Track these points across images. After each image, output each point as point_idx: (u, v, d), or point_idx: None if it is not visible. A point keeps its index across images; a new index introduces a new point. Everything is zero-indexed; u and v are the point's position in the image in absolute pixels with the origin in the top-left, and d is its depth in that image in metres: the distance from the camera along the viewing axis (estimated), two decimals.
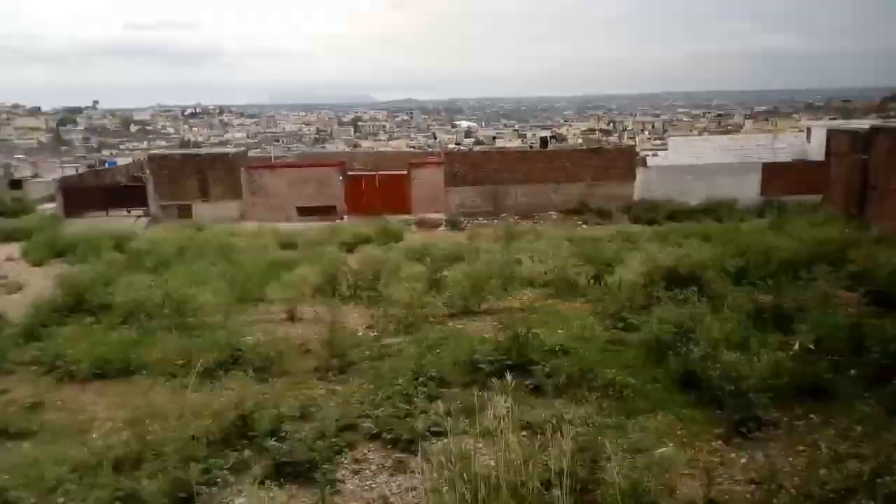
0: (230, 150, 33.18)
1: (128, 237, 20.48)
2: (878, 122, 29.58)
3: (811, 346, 6.59)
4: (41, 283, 16.66)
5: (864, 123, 28.27)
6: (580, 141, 70.35)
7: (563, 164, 28.24)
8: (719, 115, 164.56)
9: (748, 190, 28.98)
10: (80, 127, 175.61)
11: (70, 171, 59.84)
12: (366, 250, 18.78)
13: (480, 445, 5.43)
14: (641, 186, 28.81)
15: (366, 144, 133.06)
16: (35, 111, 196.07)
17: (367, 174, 28.75)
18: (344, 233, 21.44)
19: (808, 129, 44.20)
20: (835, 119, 68.28)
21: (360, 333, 9.91)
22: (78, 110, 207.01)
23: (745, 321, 7.84)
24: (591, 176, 28.31)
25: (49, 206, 31.68)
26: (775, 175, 29.24)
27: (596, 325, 8.49)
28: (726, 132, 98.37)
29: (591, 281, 12.07)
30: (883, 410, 5.75)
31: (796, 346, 6.82)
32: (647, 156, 32.29)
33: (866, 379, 6.39)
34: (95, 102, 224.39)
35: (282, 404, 6.87)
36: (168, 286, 11.92)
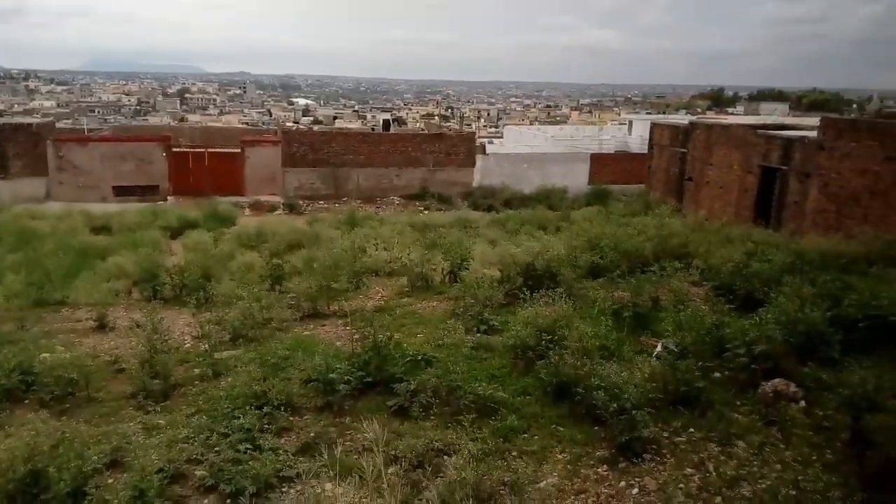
0: (35, 119, 29.32)
1: None
2: (692, 117, 32.23)
3: (674, 349, 6.56)
4: None
5: (682, 118, 30.66)
6: (420, 125, 70.77)
7: (406, 149, 27.98)
8: (549, 106, 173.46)
9: (578, 178, 30.46)
10: None
11: None
12: (193, 236, 17.30)
13: (342, 490, 4.65)
14: (480, 173, 29.30)
15: (193, 119, 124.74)
16: None
17: (196, 151, 26.63)
18: (167, 216, 19.67)
19: (630, 123, 47.64)
20: (650, 113, 74.12)
21: (188, 346, 8.36)
22: None
23: (605, 321, 7.75)
24: (433, 161, 28.32)
25: None
26: (602, 165, 30.99)
27: (458, 327, 7.91)
28: (555, 122, 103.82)
29: (447, 277, 11.63)
30: (758, 419, 5.77)
31: (659, 349, 6.83)
32: (486, 143, 32.84)
33: (735, 383, 6.35)
34: None
35: (87, 448, 5.14)
36: None
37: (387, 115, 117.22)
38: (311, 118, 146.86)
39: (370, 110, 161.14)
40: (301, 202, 26.30)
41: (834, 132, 15.44)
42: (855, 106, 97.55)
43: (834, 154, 15.34)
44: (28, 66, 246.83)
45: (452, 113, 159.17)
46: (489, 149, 30.18)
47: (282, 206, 25.72)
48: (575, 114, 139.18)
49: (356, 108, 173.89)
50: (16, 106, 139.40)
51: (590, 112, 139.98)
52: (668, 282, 8.95)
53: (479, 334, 7.69)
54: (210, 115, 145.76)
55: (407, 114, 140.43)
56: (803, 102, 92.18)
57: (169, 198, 25.17)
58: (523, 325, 7.10)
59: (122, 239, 16.57)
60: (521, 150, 35.48)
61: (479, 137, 42.38)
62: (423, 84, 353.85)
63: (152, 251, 15.23)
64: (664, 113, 79.39)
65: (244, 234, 18.27)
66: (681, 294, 8.36)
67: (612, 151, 36.88)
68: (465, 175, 28.95)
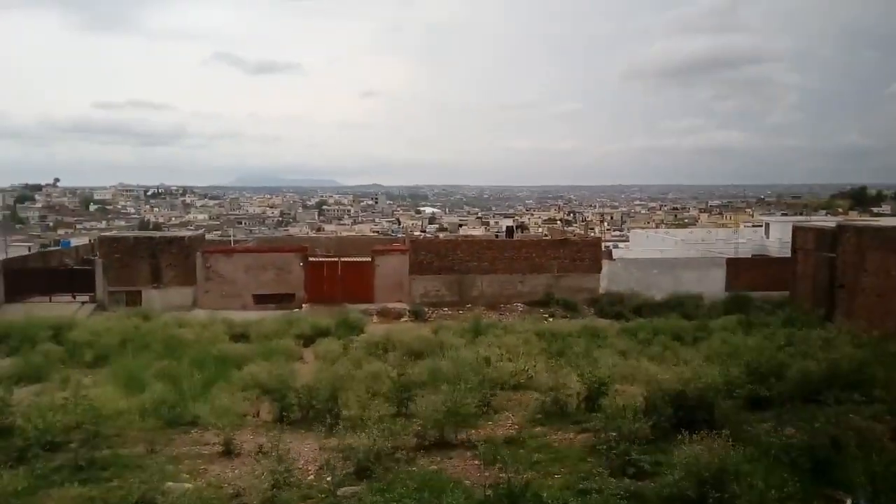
0: (186, 232, 32.05)
1: (68, 326, 19.07)
2: (835, 218, 30.14)
3: None
4: None
5: (824, 220, 28.70)
6: (543, 231, 71.01)
7: (530, 255, 27.86)
8: (675, 209, 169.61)
9: (713, 285, 28.87)
10: (39, 205, 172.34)
11: (21, 251, 57.88)
12: (324, 345, 17.70)
13: None
14: (607, 279, 28.51)
15: (329, 228, 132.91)
16: None
17: (329, 260, 27.90)
18: (301, 324, 20.35)
19: (767, 225, 45.25)
20: (787, 214, 70.42)
21: (311, 477, 7.93)
22: (38, 188, 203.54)
23: (779, 468, 6.66)
24: (558, 267, 27.94)
25: None
26: (740, 270, 29.28)
27: (601, 468, 7.01)
28: (683, 225, 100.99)
29: (583, 401, 10.73)
30: None
31: None
32: (612, 248, 32.11)
33: None
34: (56, 180, 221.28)
35: None
36: (84, 403, 9.95)
37: (510, 222, 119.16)
38: (437, 225, 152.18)
39: (493, 217, 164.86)
40: (426, 309, 26.57)
41: None
42: None
43: None
44: (185, 183, 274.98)
45: (575, 217, 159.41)
46: (616, 253, 29.49)
47: (408, 313, 26.07)
48: (704, 216, 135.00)
49: (480, 214, 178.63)
50: (173, 219, 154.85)
51: (720, 214, 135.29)
52: (846, 417, 7.63)
53: (626, 478, 6.73)
54: (344, 224, 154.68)
55: (529, 219, 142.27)
56: None
57: (304, 305, 26.23)
58: (681, 470, 6.11)
59: (258, 347, 17.20)
60: (649, 254, 34.44)
61: (605, 242, 41.71)
62: (545, 190, 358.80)
63: (285, 361, 15.75)
64: (802, 214, 75.14)
65: (371, 343, 18.49)
66: (866, 434, 7.03)
67: (749, 255, 34.98)
68: (592, 281, 28.26)
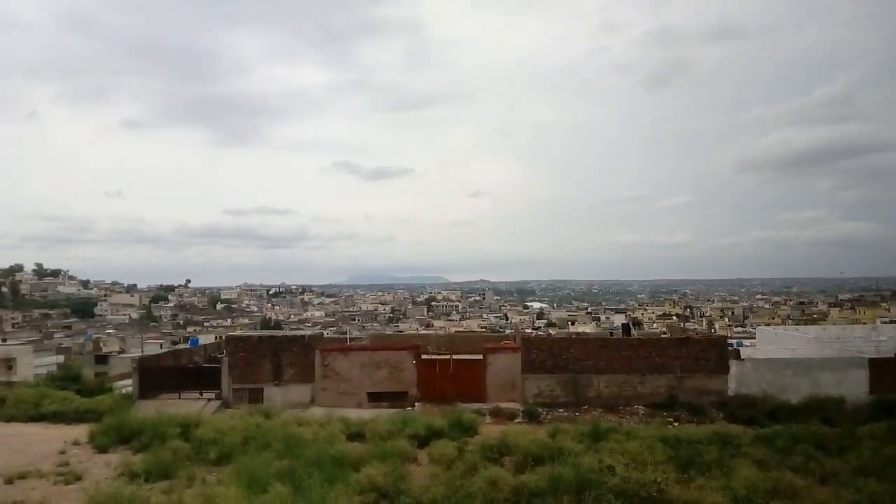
0: (306, 332, 33.15)
1: (195, 423, 19.83)
2: None
3: None
4: (101, 472, 16.00)
5: None
6: (659, 327, 68.28)
7: (649, 354, 26.61)
8: (801, 303, 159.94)
9: (855, 387, 26.34)
10: (171, 304, 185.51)
11: (154, 347, 62.07)
12: (438, 447, 17.37)
13: None
14: (735, 380, 26.64)
15: (438, 324, 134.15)
16: (131, 288, 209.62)
17: (441, 358, 27.83)
18: (416, 424, 20.13)
19: None
20: None
21: None
22: (171, 288, 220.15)
23: None
24: (680, 367, 26.48)
25: (127, 384, 31.97)
26: (885, 371, 26.61)
27: None
28: (812, 321, 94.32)
29: None
30: None
31: None
32: (738, 346, 30.16)
33: None
34: (188, 281, 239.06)
35: None
36: None
37: (622, 317, 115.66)
38: (545, 321, 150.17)
39: (604, 311, 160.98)
40: (540, 410, 25.71)
41: None
42: None
43: None
44: (304, 282, 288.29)
45: (692, 312, 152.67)
46: (743, 353, 27.62)
47: (521, 414, 25.31)
48: (834, 310, 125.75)
49: (589, 309, 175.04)
50: (292, 316, 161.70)
51: (852, 308, 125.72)
52: None
53: None
54: (453, 320, 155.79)
55: (643, 314, 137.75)
56: None
57: (416, 404, 26.12)
58: None
59: (373, 448, 17.10)
60: (779, 353, 32.05)
61: (729, 339, 39.35)
62: (657, 284, 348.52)
63: (400, 463, 15.57)
64: None
65: (486, 446, 17.97)
66: None
67: (893, 354, 31.78)
68: (718, 383, 26.50)
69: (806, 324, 72.49)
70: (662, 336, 31.84)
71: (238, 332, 35.01)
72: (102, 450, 18.35)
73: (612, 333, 38.31)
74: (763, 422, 23.63)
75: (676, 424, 24.06)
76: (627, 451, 17.55)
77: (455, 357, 27.65)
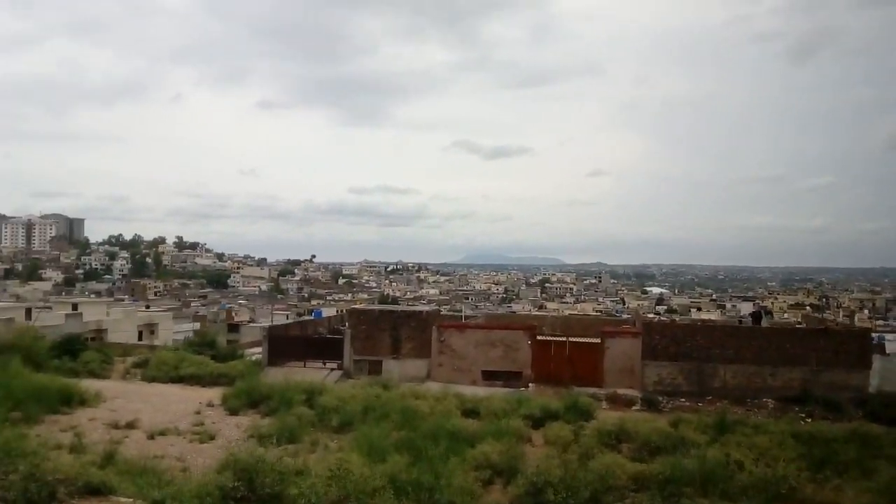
0: (424, 307, 33.77)
1: (319, 391, 20.71)
2: None
3: None
4: (232, 433, 17.03)
5: None
6: (792, 317, 64.05)
7: (783, 345, 24.99)
8: None
9: None
10: (297, 278, 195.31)
11: (281, 318, 65.68)
12: (554, 429, 17.15)
13: None
14: (879, 376, 24.55)
15: (551, 306, 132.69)
16: (261, 262, 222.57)
17: (557, 340, 27.49)
18: (530, 405, 20.01)
19: None
20: None
21: None
22: (297, 263, 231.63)
23: None
24: (816, 360, 24.68)
25: (256, 351, 33.97)
26: None
27: None
28: None
29: None
30: None
31: None
32: (882, 340, 27.73)
33: None
34: (313, 257, 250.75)
35: None
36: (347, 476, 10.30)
37: (749, 305, 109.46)
38: (665, 307, 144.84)
39: (730, 299, 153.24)
40: (660, 398, 24.83)
41: None
42: None
43: None
44: (420, 260, 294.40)
45: (827, 303, 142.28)
46: (889, 348, 25.35)
47: (640, 401, 24.57)
48: None
49: (714, 296, 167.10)
50: (409, 293, 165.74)
51: None
52: None
53: None
54: (566, 302, 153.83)
55: (773, 303, 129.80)
56: None
57: (530, 385, 25.98)
58: None
59: (488, 426, 17.15)
60: None
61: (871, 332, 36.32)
62: (790, 271, 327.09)
63: (515, 442, 15.51)
64: None
65: (604, 431, 17.55)
66: None
67: None
68: (859, 378, 24.51)
69: None
70: (798, 326, 29.76)
71: (360, 306, 36.23)
72: (234, 412, 19.52)
73: (739, 322, 36.26)
74: None
75: (810, 421, 22.48)
76: (756, 445, 16.58)
77: (571, 339, 27.21)
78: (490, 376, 26.75)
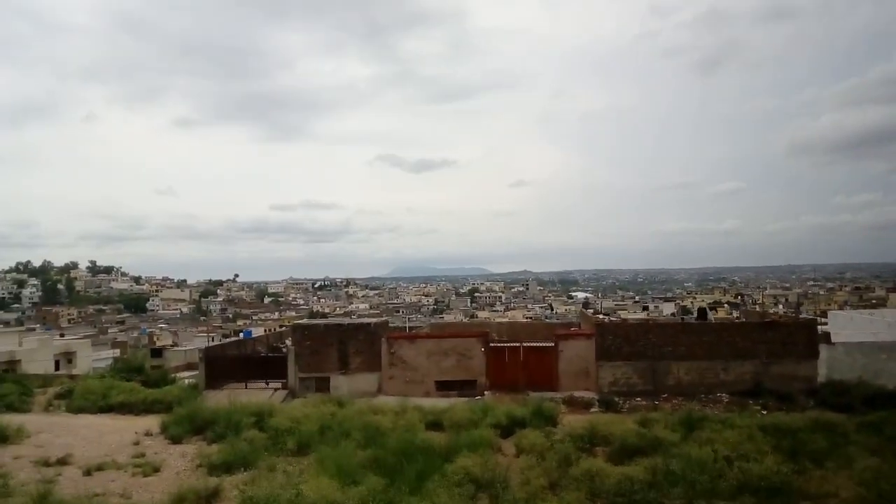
0: (373, 320, 32.52)
1: (268, 412, 19.25)
2: None
3: None
4: (179, 463, 15.47)
5: None
6: (721, 314, 66.00)
7: (733, 339, 25.18)
8: (858, 288, 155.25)
9: None
10: (220, 298, 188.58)
11: (204, 341, 62.58)
12: (529, 437, 16.40)
13: None
14: (826, 366, 25.08)
15: (482, 315, 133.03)
16: (182, 284, 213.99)
17: (511, 345, 26.84)
18: (496, 413, 19.20)
19: None
20: None
21: None
22: (220, 283, 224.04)
23: None
24: (766, 353, 24.99)
25: (186, 375, 31.80)
26: None
27: None
28: (870, 306, 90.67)
29: None
30: None
31: None
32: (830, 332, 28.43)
33: None
34: (236, 276, 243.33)
35: None
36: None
37: (671, 305, 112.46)
38: (592, 311, 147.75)
39: (651, 300, 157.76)
40: (617, 398, 24.56)
41: None
42: None
43: None
44: (347, 275, 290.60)
45: (743, 300, 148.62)
46: (837, 337, 25.96)
47: (597, 403, 24.20)
48: (893, 295, 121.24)
49: (636, 298, 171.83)
50: (338, 309, 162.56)
51: None
52: None
53: None
54: (497, 311, 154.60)
55: (691, 302, 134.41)
56: None
57: (485, 392, 25.22)
58: None
59: (457, 438, 16.23)
60: (857, 338, 30.19)
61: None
62: (705, 272, 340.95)
63: (490, 454, 14.70)
64: None
65: (576, 435, 16.95)
66: None
67: None
68: (807, 369, 24.94)
69: (864, 309, 69.61)
70: (745, 321, 30.22)
71: (304, 321, 34.59)
72: (176, 440, 17.87)
73: (683, 320, 36.78)
74: (858, 409, 22.08)
75: (765, 413, 22.67)
76: (727, 440, 16.35)
77: (526, 344, 26.63)
78: (444, 386, 25.82)
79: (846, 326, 38.23)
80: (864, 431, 18.47)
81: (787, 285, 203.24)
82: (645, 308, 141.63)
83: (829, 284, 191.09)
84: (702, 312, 31.04)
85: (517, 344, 26.85)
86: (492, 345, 26.84)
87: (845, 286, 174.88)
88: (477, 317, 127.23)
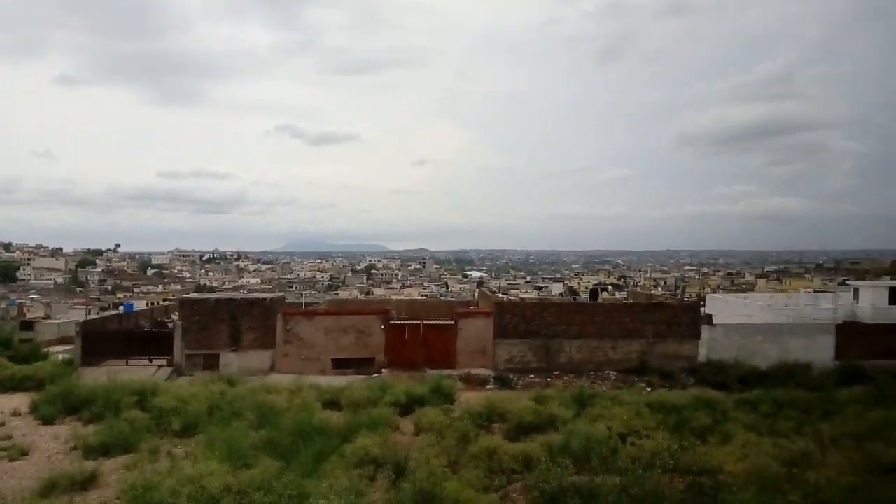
0: (268, 294, 31.29)
1: (152, 391, 18.08)
2: None
3: None
4: (50, 446, 14.22)
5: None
6: (614, 292, 68.82)
7: (623, 320, 26.16)
8: (730, 273, 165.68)
9: (821, 353, 26.68)
10: (99, 269, 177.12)
11: (80, 313, 58.47)
12: (429, 415, 16.26)
13: None
14: (706, 346, 26.53)
15: (378, 292, 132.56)
16: (57, 252, 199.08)
17: (411, 323, 26.64)
18: (395, 391, 18.96)
19: (856, 290, 42.55)
20: (847, 280, 67.26)
21: None
22: (99, 253, 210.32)
23: None
24: (653, 333, 26.14)
25: (61, 350, 29.46)
26: (853, 337, 27.01)
27: None
28: (741, 290, 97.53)
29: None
30: None
31: None
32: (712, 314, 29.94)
33: None
34: (117, 246, 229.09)
35: None
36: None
37: (560, 286, 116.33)
38: (486, 290, 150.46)
39: (542, 281, 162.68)
40: (511, 375, 24.99)
41: None
42: None
43: None
44: (239, 249, 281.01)
45: (625, 282, 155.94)
46: (716, 318, 27.49)
47: (493, 380, 24.52)
48: (761, 281, 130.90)
49: (527, 279, 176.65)
50: (227, 283, 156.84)
51: (777, 280, 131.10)
52: None
53: None
54: (393, 288, 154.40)
55: (578, 283, 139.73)
56: None
57: (383, 370, 24.93)
58: None
59: (355, 417, 15.87)
60: (733, 320, 32.24)
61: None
62: (591, 255, 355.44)
63: (386, 433, 14.42)
64: (865, 279, 71.38)
65: (474, 413, 16.99)
66: None
67: (841, 321, 32.49)
68: (689, 348, 26.34)
69: (734, 293, 74.65)
70: (634, 302, 31.47)
71: (192, 295, 32.83)
72: (48, 421, 16.45)
73: (574, 300, 37.84)
74: (734, 387, 23.53)
75: (650, 390, 23.73)
76: (616, 416, 16.92)
77: (426, 322, 26.51)
78: (341, 364, 25.31)
79: (723, 309, 40.74)
80: (742, 408, 19.71)
81: (666, 269, 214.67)
82: (538, 288, 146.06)
83: (705, 269, 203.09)
84: (594, 293, 32.09)
85: (418, 322, 26.68)
86: (392, 322, 26.53)
87: (718, 271, 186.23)
88: (373, 294, 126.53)
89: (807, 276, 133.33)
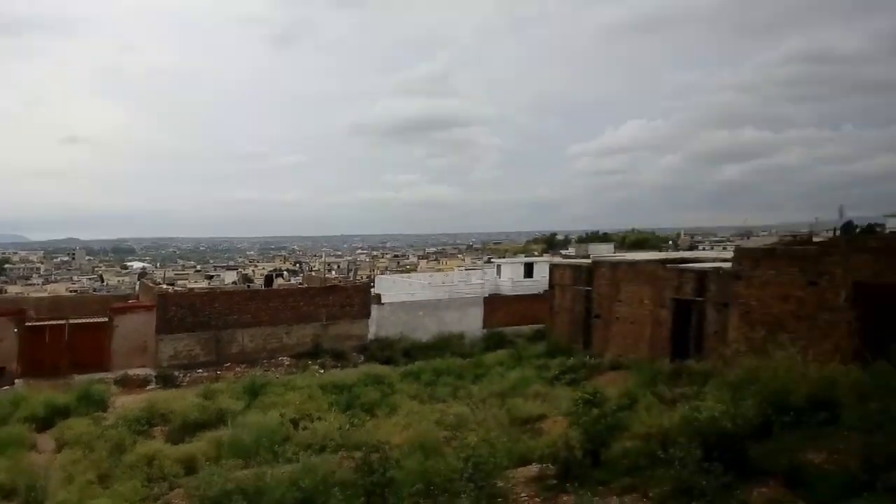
0: None
1: None
2: (535, 259, 33.15)
3: None
4: None
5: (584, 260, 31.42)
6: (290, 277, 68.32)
7: (298, 304, 26.11)
8: (396, 256, 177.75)
9: (472, 323, 29.97)
10: None
11: None
12: (75, 427, 14.22)
13: None
14: (375, 324, 27.92)
15: (14, 289, 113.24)
16: None
17: (54, 324, 23.00)
18: (31, 404, 16.22)
19: (499, 267, 48.89)
20: (491, 258, 77.36)
21: None
22: None
23: None
24: (327, 315, 26.60)
25: None
26: (497, 308, 30.82)
27: None
28: (406, 271, 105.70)
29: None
30: None
31: None
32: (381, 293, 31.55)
33: None
34: None
35: None
36: None
37: (234, 274, 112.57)
38: (149, 281, 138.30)
39: (215, 269, 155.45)
40: (177, 373, 23.28)
41: (750, 262, 16.06)
42: (670, 242, 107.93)
43: (753, 282, 15.85)
44: None
45: (301, 267, 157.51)
46: (385, 298, 29.03)
47: (154, 380, 22.56)
48: (423, 262, 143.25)
49: (198, 268, 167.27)
50: None
51: (436, 260, 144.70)
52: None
53: None
54: (34, 284, 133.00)
55: (253, 270, 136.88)
56: (626, 242, 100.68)
57: (17, 381, 21.18)
58: None
59: None
60: (400, 298, 34.66)
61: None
62: (267, 241, 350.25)
63: (19, 455, 12.24)
64: (504, 257, 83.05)
65: (131, 418, 15.37)
66: None
67: (487, 294, 37.14)
68: (360, 327, 27.43)
69: (401, 273, 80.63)
70: (310, 286, 31.60)
71: None
72: None
73: (249, 287, 36.67)
74: (399, 360, 25.21)
75: (323, 372, 24.14)
76: (290, 402, 16.83)
77: (73, 321, 23.14)
78: None
79: (391, 289, 43.45)
80: (406, 380, 21.15)
81: (340, 253, 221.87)
82: (209, 277, 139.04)
83: (374, 252, 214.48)
84: (269, 279, 31.56)
85: (62, 322, 23.16)
86: (28, 325, 22.61)
87: (386, 254, 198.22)
88: (7, 292, 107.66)
89: (460, 256, 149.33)
